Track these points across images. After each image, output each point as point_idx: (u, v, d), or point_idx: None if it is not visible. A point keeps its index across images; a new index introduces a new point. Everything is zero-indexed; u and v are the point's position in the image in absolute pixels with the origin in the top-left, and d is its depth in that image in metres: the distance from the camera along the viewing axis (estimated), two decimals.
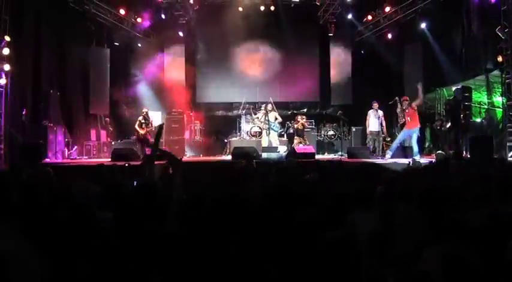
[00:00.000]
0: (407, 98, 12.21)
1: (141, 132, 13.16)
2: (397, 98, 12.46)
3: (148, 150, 11.45)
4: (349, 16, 16.38)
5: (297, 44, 17.27)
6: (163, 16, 16.18)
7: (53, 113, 12.78)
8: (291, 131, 15.60)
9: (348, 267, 2.56)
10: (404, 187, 4.31)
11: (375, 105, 13.28)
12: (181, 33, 16.96)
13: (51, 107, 12.82)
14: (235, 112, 16.76)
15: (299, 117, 15.24)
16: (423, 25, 14.28)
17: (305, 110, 17.79)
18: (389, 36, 15.93)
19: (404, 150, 12.55)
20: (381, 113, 13.22)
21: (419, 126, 12.06)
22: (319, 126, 16.75)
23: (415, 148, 11.84)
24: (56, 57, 13.58)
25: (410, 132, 12.05)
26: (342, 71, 17.38)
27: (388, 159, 11.82)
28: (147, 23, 16.13)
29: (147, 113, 13.50)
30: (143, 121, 13.25)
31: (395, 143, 12.41)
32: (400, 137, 12.44)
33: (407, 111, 12.02)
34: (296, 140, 14.78)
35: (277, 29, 17.13)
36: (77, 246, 3.01)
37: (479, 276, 2.27)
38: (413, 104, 11.94)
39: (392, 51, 15.90)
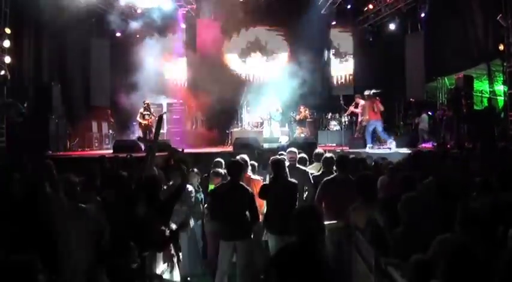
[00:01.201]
0: (358, 97, 12.90)
1: (144, 122, 13.20)
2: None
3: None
4: (349, 6, 16.27)
5: (298, 32, 17.15)
6: (163, 6, 16.05)
7: (54, 105, 12.76)
8: (293, 121, 15.57)
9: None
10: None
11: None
12: (183, 25, 16.88)
13: (52, 99, 12.79)
14: (236, 102, 16.64)
15: (301, 107, 15.23)
16: (424, 13, 14.20)
17: (307, 100, 17.70)
18: (391, 25, 15.83)
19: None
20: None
21: (370, 118, 11.93)
22: (321, 116, 16.68)
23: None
24: (57, 49, 13.56)
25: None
26: (343, 60, 17.32)
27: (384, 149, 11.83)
28: (147, 14, 16.01)
29: (148, 104, 13.49)
30: (145, 112, 13.27)
31: (382, 135, 12.27)
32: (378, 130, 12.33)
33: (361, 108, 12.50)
34: (298, 130, 14.77)
35: (278, 18, 17.05)
36: None
37: (483, 267, 2.27)
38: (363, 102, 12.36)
39: (394, 40, 15.83)
